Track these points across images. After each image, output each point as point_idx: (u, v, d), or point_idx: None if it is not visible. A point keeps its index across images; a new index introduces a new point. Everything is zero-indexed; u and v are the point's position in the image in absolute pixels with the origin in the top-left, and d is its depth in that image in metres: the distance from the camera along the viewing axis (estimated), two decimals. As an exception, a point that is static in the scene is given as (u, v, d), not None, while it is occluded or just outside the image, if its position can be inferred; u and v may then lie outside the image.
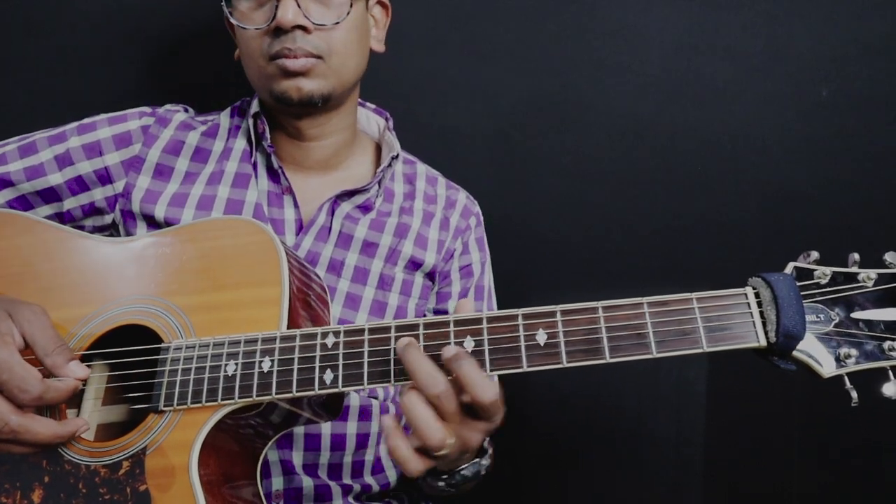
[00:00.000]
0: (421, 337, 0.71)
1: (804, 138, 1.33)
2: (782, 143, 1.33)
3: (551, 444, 1.39)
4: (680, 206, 1.35)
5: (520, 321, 0.70)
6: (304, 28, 0.91)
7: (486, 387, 0.66)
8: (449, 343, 0.70)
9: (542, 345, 0.69)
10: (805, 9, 1.31)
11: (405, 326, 0.72)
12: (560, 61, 1.34)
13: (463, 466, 0.82)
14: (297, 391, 0.73)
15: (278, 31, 0.91)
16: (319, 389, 0.72)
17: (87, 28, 1.32)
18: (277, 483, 0.95)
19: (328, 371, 0.73)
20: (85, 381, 0.78)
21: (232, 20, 0.95)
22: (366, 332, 0.73)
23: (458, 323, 0.71)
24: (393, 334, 0.72)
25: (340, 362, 0.72)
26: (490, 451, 0.84)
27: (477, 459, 0.82)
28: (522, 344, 0.69)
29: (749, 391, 1.32)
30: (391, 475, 1.03)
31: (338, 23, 0.93)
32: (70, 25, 1.31)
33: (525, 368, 0.69)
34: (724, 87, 1.34)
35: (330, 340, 0.74)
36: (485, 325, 0.71)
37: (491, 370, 0.69)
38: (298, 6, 0.90)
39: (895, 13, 1.30)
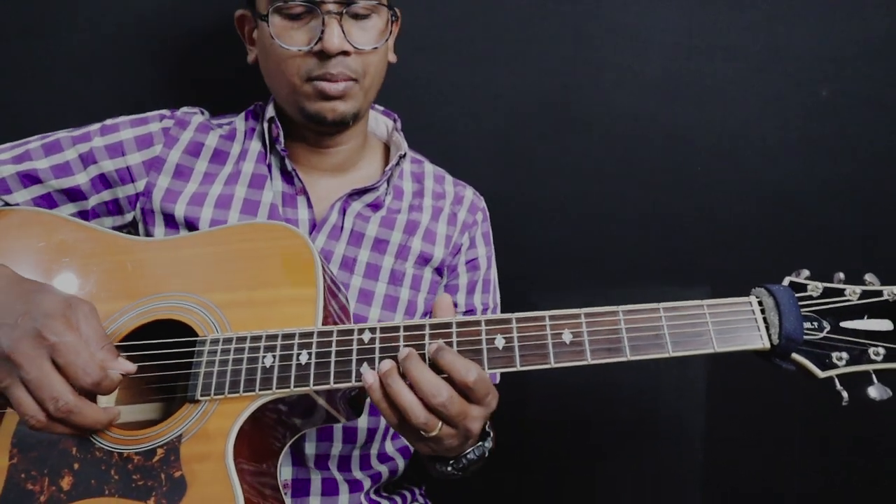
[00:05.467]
0: (454, 334, 0.76)
1: (804, 138, 1.33)
2: (782, 143, 1.33)
3: (550, 442, 1.41)
4: (680, 206, 1.36)
5: (547, 321, 0.76)
6: (345, 52, 0.94)
7: (467, 368, 0.72)
8: (480, 339, 0.76)
9: (567, 343, 0.75)
10: (805, 9, 1.31)
11: (439, 325, 0.77)
12: (561, 62, 1.34)
13: (467, 451, 0.87)
14: (334, 382, 0.76)
15: (322, 55, 0.93)
16: (356, 381, 0.76)
17: (102, 32, 1.30)
18: (286, 473, 0.98)
19: (365, 364, 0.76)
20: None
21: (275, 40, 0.94)
22: (401, 330, 0.77)
23: (489, 322, 0.77)
24: (427, 332, 0.77)
25: (377, 356, 0.76)
26: (491, 433, 0.90)
27: (480, 443, 0.88)
28: (550, 342, 0.75)
29: (749, 391, 1.35)
30: (399, 462, 1.08)
31: (376, 48, 0.96)
32: (84, 30, 1.29)
33: (552, 364, 0.75)
34: (724, 87, 1.33)
35: (367, 336, 0.78)
36: (514, 324, 0.76)
37: (521, 366, 0.75)
38: (343, 31, 0.93)
39: (895, 13, 1.30)
